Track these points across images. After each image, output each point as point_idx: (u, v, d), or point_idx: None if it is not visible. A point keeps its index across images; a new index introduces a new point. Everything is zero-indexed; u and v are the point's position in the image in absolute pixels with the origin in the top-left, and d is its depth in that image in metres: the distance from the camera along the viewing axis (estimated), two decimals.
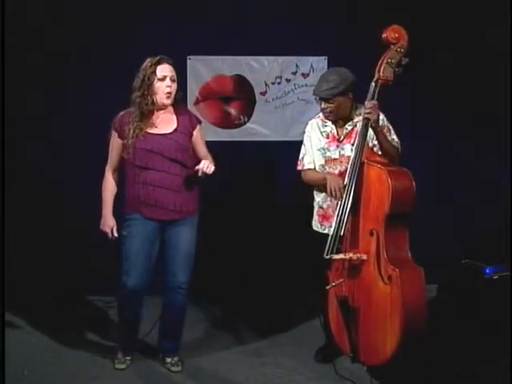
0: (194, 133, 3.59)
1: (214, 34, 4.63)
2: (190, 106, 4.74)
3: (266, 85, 4.82)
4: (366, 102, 3.38)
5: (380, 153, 3.47)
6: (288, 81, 4.82)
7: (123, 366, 3.70)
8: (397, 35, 3.37)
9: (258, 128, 4.84)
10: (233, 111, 4.83)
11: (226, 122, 4.83)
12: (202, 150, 3.64)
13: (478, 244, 4.48)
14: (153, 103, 3.45)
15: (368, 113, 3.35)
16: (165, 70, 3.45)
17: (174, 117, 3.55)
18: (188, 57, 4.71)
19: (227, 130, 4.83)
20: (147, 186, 3.47)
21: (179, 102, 3.59)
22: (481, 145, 4.79)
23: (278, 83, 4.82)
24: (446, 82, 4.70)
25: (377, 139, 3.44)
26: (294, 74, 4.81)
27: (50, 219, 4.61)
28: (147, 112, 3.45)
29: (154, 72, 3.42)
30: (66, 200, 4.60)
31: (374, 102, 3.37)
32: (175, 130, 3.52)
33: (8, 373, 3.19)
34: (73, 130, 4.60)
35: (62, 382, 3.55)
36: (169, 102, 3.49)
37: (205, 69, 4.76)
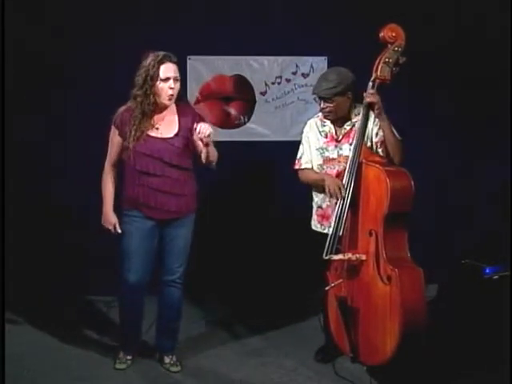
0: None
1: (214, 34, 4.62)
2: None
3: (266, 85, 4.81)
4: (364, 94, 3.38)
5: (384, 144, 3.46)
6: (288, 81, 4.81)
7: (124, 366, 3.69)
8: (394, 34, 3.37)
9: (258, 128, 4.84)
10: (233, 111, 4.83)
11: (226, 122, 4.83)
12: None
13: (477, 244, 4.47)
14: (154, 103, 3.40)
15: (369, 97, 3.35)
16: (168, 70, 3.38)
17: (176, 118, 3.51)
18: (188, 57, 4.70)
19: (227, 130, 4.82)
20: (147, 189, 3.45)
21: (182, 100, 3.54)
22: (481, 144, 4.78)
23: (278, 83, 4.81)
24: (445, 80, 4.69)
25: (381, 127, 3.43)
26: (294, 73, 4.81)
27: (50, 219, 4.61)
28: (148, 111, 3.41)
29: (157, 72, 3.35)
30: (66, 200, 4.60)
31: (373, 90, 3.36)
32: (176, 134, 3.47)
33: (8, 373, 3.18)
34: (71, 131, 4.61)
35: (62, 382, 3.56)
36: (170, 103, 3.45)
37: (205, 69, 4.75)
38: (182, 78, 4.64)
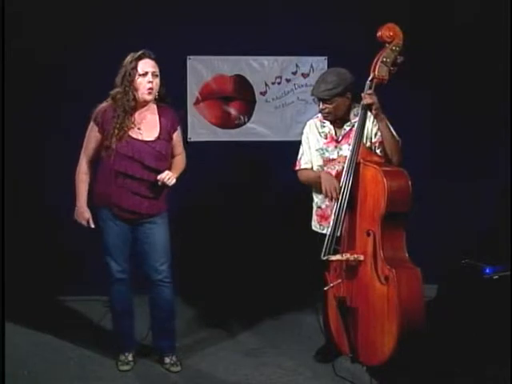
0: (174, 136, 3.59)
1: (213, 34, 4.62)
2: (190, 106, 4.76)
3: (266, 85, 4.82)
4: (362, 94, 3.38)
5: (382, 144, 3.46)
6: (288, 81, 4.82)
7: (127, 368, 3.69)
8: (391, 33, 3.35)
9: (258, 128, 4.84)
10: (233, 111, 4.83)
11: (226, 122, 4.83)
12: (178, 149, 3.66)
13: (478, 244, 4.46)
14: (134, 99, 3.41)
15: (367, 98, 3.33)
16: (146, 65, 3.41)
17: (157, 119, 3.52)
18: (188, 57, 4.71)
19: (227, 130, 4.83)
20: (122, 191, 3.47)
21: (163, 100, 3.55)
22: (481, 144, 4.78)
23: (278, 83, 4.82)
24: (444, 79, 4.69)
25: (380, 128, 3.42)
26: (294, 73, 4.81)
27: (48, 219, 4.61)
28: (129, 109, 3.42)
29: (136, 67, 3.38)
30: (66, 200, 4.58)
31: (371, 91, 3.36)
32: (158, 137, 3.49)
33: (8, 373, 3.20)
34: (71, 131, 4.59)
35: (62, 382, 3.57)
36: (150, 97, 3.45)
37: (205, 69, 4.76)
38: (182, 78, 4.71)
